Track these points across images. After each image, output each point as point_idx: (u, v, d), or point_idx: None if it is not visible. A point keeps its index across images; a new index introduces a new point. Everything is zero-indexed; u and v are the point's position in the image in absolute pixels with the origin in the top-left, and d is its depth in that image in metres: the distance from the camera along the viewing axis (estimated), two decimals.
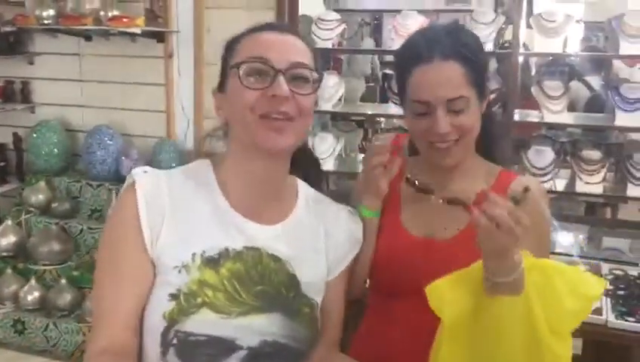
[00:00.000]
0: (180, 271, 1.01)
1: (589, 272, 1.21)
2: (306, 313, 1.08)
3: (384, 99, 3.89)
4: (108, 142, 3.40)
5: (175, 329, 0.99)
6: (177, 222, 1.03)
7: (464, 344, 1.13)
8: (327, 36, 3.12)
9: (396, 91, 1.35)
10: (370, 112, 3.50)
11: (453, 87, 1.22)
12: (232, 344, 1.00)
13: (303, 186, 1.18)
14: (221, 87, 1.10)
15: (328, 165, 3.19)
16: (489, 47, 2.86)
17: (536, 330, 1.10)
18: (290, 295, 1.07)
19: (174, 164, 3.31)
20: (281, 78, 1.01)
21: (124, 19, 3.04)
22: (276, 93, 1.00)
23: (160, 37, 3.31)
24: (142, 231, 1.01)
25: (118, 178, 3.40)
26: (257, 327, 1.02)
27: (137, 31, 3.05)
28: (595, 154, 2.88)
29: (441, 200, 1.15)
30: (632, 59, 3.56)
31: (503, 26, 2.93)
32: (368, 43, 4.66)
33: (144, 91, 3.40)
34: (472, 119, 1.26)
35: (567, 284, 1.11)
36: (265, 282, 1.04)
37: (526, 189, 1.07)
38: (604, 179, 2.88)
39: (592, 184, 2.86)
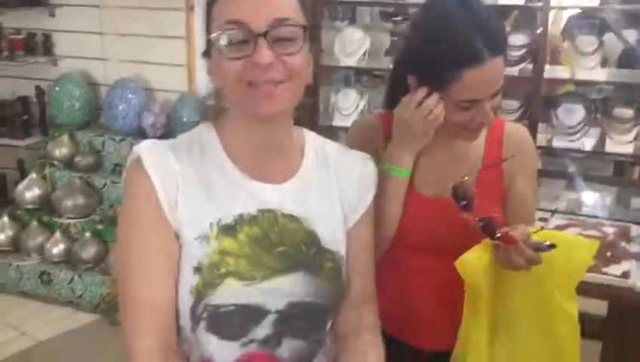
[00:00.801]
0: (200, 242, 0.99)
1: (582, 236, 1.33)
2: (329, 267, 1.06)
3: None
4: (130, 96, 3.40)
5: (204, 303, 0.97)
6: (190, 191, 1.00)
7: (492, 310, 1.22)
8: None
9: (428, 78, 1.26)
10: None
11: (499, 80, 1.23)
12: (260, 310, 1.00)
13: (310, 137, 1.14)
14: (208, 51, 1.03)
15: (350, 121, 3.14)
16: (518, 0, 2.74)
17: (546, 293, 1.21)
18: (312, 252, 1.05)
19: (196, 119, 3.29)
20: (262, 43, 0.93)
21: None
22: (258, 61, 0.93)
23: None
24: (161, 205, 0.98)
25: (140, 132, 3.41)
26: (283, 289, 1.01)
27: None
28: (627, 112, 2.78)
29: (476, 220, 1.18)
30: None
31: None
32: None
33: (165, 44, 3.36)
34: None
35: (566, 249, 1.18)
36: (284, 243, 1.03)
37: (552, 246, 1.11)
38: (635, 139, 2.79)
39: (623, 143, 2.77)
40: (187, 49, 3.34)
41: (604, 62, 2.97)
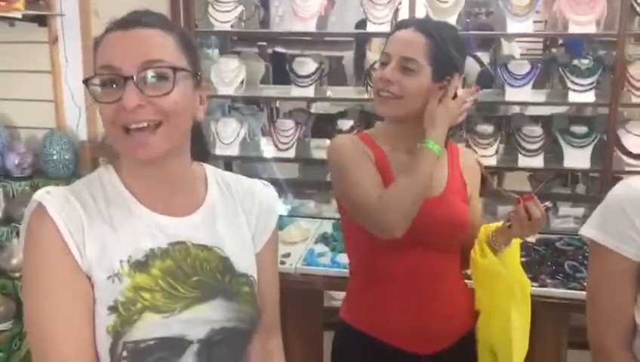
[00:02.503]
0: (112, 281, 0.97)
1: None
2: (245, 291, 1.08)
3: (277, 81, 3.85)
4: None
5: (123, 342, 0.95)
6: (96, 232, 0.99)
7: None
8: (225, 18, 3.04)
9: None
10: (274, 95, 3.47)
11: (405, 49, 1.57)
12: (182, 341, 0.99)
13: (210, 169, 1.16)
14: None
15: (233, 150, 3.15)
16: (386, 28, 2.91)
17: (517, 267, 1.65)
18: (227, 278, 1.06)
19: (67, 156, 3.13)
20: (130, 87, 0.94)
21: (2, 3, 2.79)
22: (124, 104, 0.94)
23: (42, 21, 3.09)
24: (70, 250, 0.95)
25: (4, 174, 3.17)
26: (202, 318, 1.01)
27: (18, 15, 2.82)
28: (488, 128, 3.03)
29: (498, 189, 1.71)
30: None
31: (399, 7, 2.98)
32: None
33: (28, 79, 3.16)
34: None
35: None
36: (198, 272, 1.03)
37: (554, 204, 1.48)
38: (497, 152, 3.04)
39: (487, 156, 3.01)
40: (53, 83, 3.17)
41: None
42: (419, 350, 1.56)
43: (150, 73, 0.96)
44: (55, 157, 3.12)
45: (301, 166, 3.40)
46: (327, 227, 2.75)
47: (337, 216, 2.98)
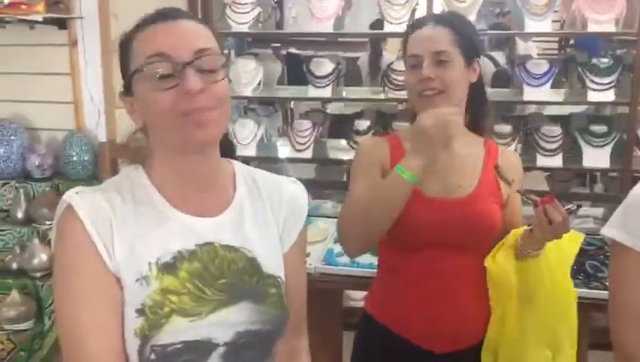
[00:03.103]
0: (141, 284, 0.97)
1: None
2: (273, 293, 1.07)
3: (292, 82, 3.86)
4: (11, 137, 3.19)
5: (151, 345, 0.95)
6: (126, 234, 0.98)
7: (518, 303, 1.54)
8: (242, 20, 3.06)
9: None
10: (291, 96, 3.48)
11: (437, 44, 1.57)
12: (208, 344, 0.99)
13: (239, 167, 1.15)
14: (127, 90, 1.03)
15: (250, 151, 3.16)
16: (403, 28, 2.90)
17: (554, 277, 1.55)
18: (254, 280, 1.06)
19: (86, 158, 3.17)
20: (189, 71, 0.95)
21: (23, 6, 2.83)
22: (189, 88, 0.94)
23: (61, 24, 3.12)
24: (99, 251, 0.96)
25: (25, 175, 3.21)
26: (229, 321, 1.01)
27: (38, 18, 2.85)
28: (506, 128, 3.02)
29: (518, 191, 1.55)
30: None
31: (416, 7, 2.98)
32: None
33: (49, 82, 3.20)
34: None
35: (565, 240, 1.50)
36: (226, 274, 1.03)
37: (579, 206, 1.44)
38: (515, 150, 3.02)
39: None
40: (72, 85, 3.20)
41: None
42: (434, 348, 1.56)
43: (205, 60, 0.97)
44: (75, 158, 3.15)
45: (318, 166, 3.41)
46: None
47: None
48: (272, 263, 1.09)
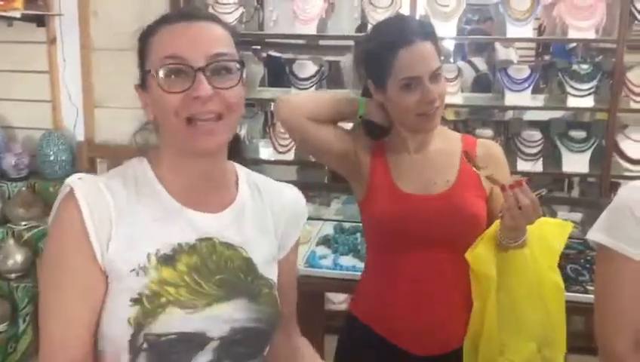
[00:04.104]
0: (137, 274, 0.97)
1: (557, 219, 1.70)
2: (266, 293, 1.08)
3: (273, 84, 3.84)
4: None
5: (144, 334, 0.95)
6: (125, 224, 0.98)
7: (498, 296, 1.49)
8: (226, 20, 3.02)
9: (376, 69, 1.54)
10: (273, 98, 3.45)
11: (431, 61, 1.49)
12: (202, 337, 0.99)
13: (242, 170, 1.17)
14: (143, 84, 1.03)
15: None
16: None
17: (540, 270, 1.50)
18: (249, 278, 1.07)
19: (64, 157, 3.12)
20: (201, 77, 0.95)
21: (0, 2, 2.78)
22: (198, 94, 0.95)
23: (40, 21, 3.08)
24: (90, 241, 0.95)
25: (1, 174, 3.14)
26: (224, 316, 1.01)
27: (17, 15, 2.80)
28: (487, 132, 3.04)
29: (485, 177, 1.48)
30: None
31: (399, 10, 2.99)
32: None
33: (26, 80, 3.15)
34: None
35: (552, 230, 1.51)
36: (223, 270, 1.03)
37: (549, 191, 1.38)
38: None
39: None
40: (50, 84, 3.15)
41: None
42: (419, 351, 1.56)
43: (219, 65, 0.97)
44: (52, 157, 3.10)
45: (299, 169, 3.39)
46: (329, 229, 2.74)
47: (338, 218, 3.01)
48: (267, 266, 1.11)
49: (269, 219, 1.14)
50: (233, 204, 1.10)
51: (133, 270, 0.97)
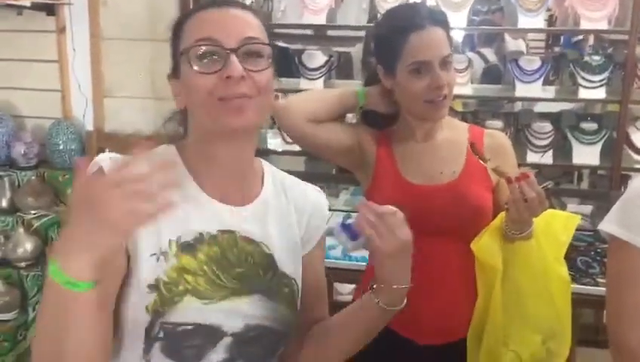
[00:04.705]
0: (157, 259, 0.97)
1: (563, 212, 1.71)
2: (285, 293, 1.07)
3: (281, 74, 3.82)
4: None
5: (161, 322, 0.95)
6: None
7: (503, 287, 1.48)
8: None
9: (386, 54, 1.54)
10: (282, 88, 3.45)
11: (442, 46, 1.49)
12: (218, 331, 0.99)
13: (267, 166, 1.17)
14: (175, 73, 1.05)
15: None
16: None
17: (546, 262, 1.50)
18: (268, 275, 1.06)
19: (73, 146, 3.12)
20: (233, 58, 0.97)
21: None
22: (230, 74, 0.96)
23: (50, 9, 3.07)
24: None
25: (10, 163, 3.15)
26: (240, 310, 1.01)
27: (26, 3, 2.80)
28: (497, 123, 3.02)
29: (492, 169, 1.48)
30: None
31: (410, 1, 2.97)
32: None
33: (35, 69, 3.14)
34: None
35: (559, 222, 1.50)
36: (242, 264, 1.03)
37: (557, 184, 1.38)
38: None
39: None
40: (60, 73, 3.15)
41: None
42: (421, 340, 1.55)
43: (251, 48, 0.99)
44: (61, 147, 3.10)
45: (307, 159, 3.39)
46: (337, 220, 2.73)
47: (347, 208, 3.01)
48: (288, 263, 1.10)
49: (293, 217, 1.14)
50: (257, 199, 1.10)
51: (154, 254, 0.97)
